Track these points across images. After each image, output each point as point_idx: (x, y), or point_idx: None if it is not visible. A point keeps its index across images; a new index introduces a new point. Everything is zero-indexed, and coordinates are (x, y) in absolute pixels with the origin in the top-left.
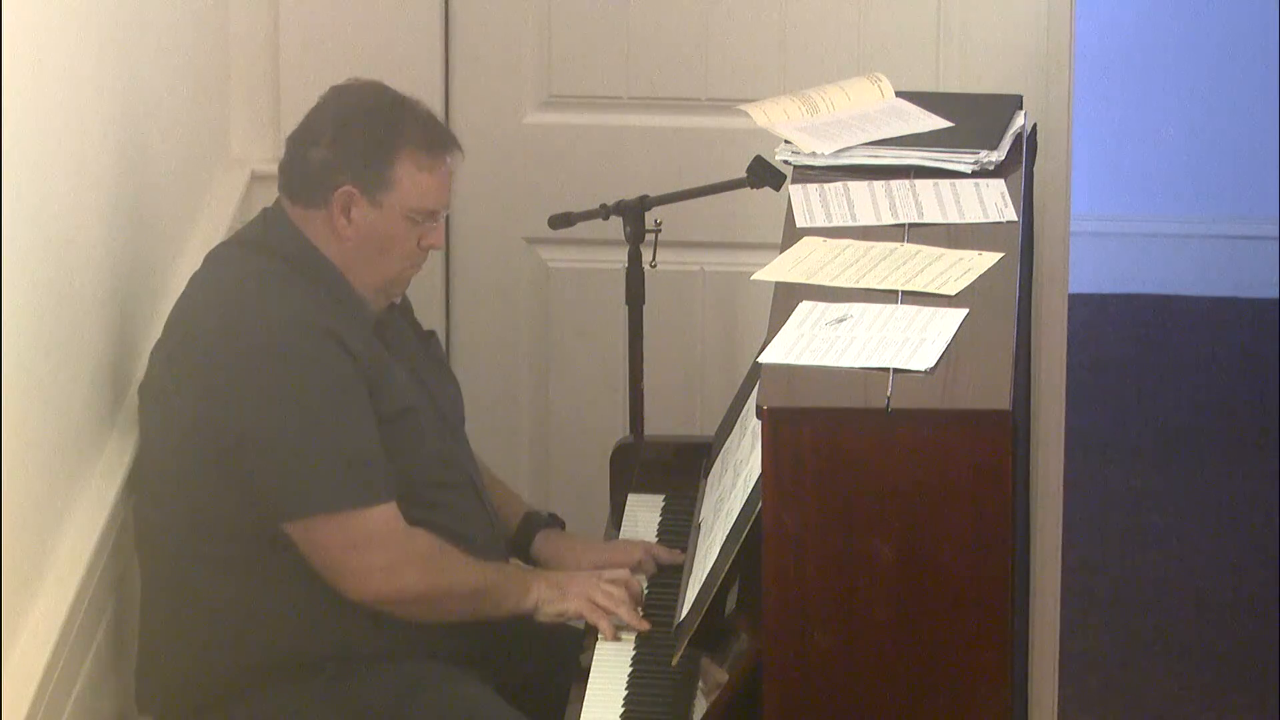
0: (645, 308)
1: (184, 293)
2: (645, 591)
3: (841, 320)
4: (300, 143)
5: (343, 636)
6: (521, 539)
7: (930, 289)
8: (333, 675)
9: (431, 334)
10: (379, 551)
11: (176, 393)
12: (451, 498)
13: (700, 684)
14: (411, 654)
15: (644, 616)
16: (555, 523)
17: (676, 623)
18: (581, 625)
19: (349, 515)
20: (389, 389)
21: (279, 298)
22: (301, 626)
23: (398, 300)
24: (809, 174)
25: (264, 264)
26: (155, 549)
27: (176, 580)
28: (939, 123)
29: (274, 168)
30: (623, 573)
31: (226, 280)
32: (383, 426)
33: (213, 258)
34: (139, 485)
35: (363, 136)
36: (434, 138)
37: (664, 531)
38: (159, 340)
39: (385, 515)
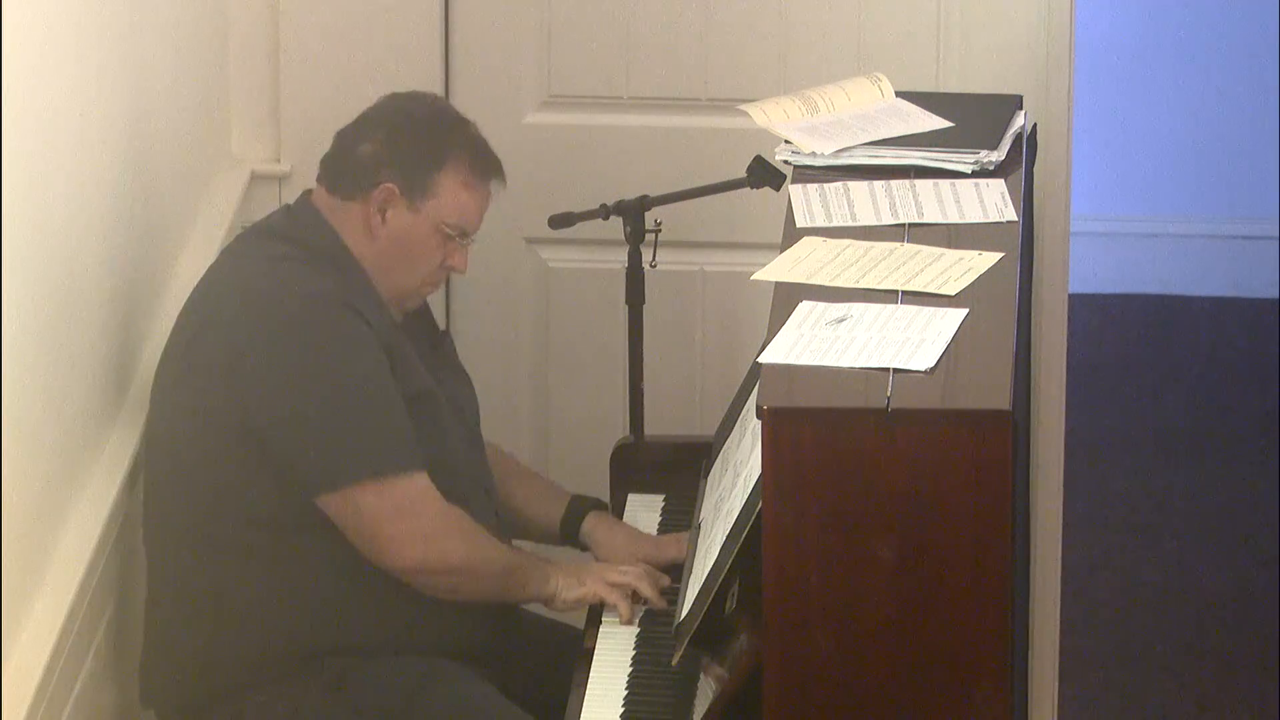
0: (645, 308)
1: (201, 281)
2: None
3: (841, 320)
4: (351, 136)
5: (349, 632)
6: (571, 520)
7: (930, 289)
8: (338, 671)
9: (445, 333)
10: (422, 518)
11: (199, 377)
12: (463, 489)
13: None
14: (416, 651)
15: (645, 618)
16: (602, 506)
17: (676, 622)
18: (595, 612)
19: (391, 481)
20: (406, 369)
21: (299, 276)
22: (309, 620)
23: (409, 313)
24: (809, 174)
25: (284, 249)
26: (166, 541)
27: (185, 573)
28: (939, 123)
29: (274, 167)
30: (635, 569)
31: (246, 264)
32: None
33: (230, 248)
34: (150, 477)
35: (415, 141)
36: (484, 160)
37: (664, 531)
38: (174, 330)
39: (423, 483)
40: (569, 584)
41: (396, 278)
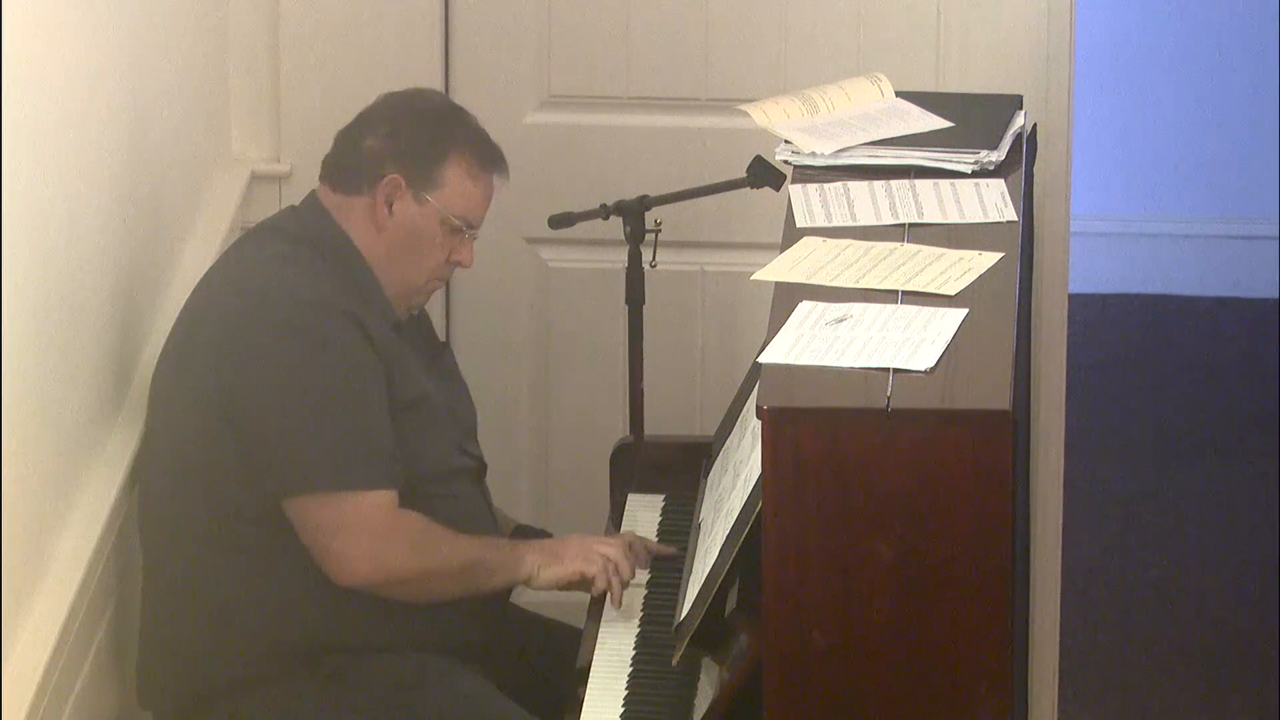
0: (645, 308)
1: (202, 280)
2: (649, 576)
3: (841, 320)
4: (352, 134)
5: (344, 629)
6: None
7: (930, 289)
8: (335, 669)
9: (445, 345)
10: (364, 538)
11: (191, 371)
12: (458, 491)
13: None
14: (413, 648)
15: (645, 618)
16: (545, 535)
17: (676, 623)
18: (580, 601)
19: (342, 497)
20: (403, 376)
21: (302, 278)
22: (304, 618)
23: (415, 313)
24: (809, 174)
25: (289, 248)
26: (161, 537)
27: (181, 571)
28: (939, 123)
29: (274, 167)
30: (618, 539)
31: (249, 261)
32: (396, 414)
33: (233, 247)
34: (146, 473)
35: (419, 133)
36: (487, 151)
37: (664, 531)
38: (173, 327)
39: (379, 501)
40: (546, 562)
41: (403, 272)
